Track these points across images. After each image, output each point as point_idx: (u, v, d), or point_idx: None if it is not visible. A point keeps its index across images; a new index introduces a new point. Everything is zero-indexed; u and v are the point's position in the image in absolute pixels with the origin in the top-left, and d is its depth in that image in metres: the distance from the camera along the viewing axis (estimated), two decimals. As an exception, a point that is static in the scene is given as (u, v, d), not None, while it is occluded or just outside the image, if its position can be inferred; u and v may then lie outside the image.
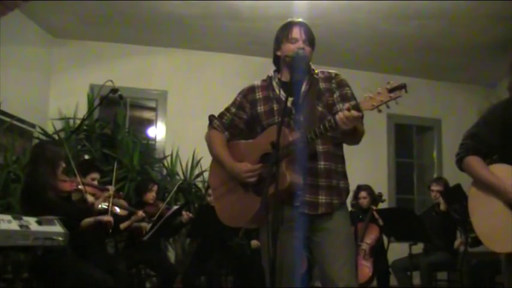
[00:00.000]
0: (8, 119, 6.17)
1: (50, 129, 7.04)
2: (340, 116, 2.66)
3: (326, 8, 6.35)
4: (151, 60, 7.89)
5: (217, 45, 7.80)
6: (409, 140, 9.24)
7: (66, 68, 7.53)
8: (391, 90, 2.53)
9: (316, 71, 3.16)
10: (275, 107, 3.11)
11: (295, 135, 2.87)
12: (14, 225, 3.77)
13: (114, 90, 5.42)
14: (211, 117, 3.34)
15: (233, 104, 3.31)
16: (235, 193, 3.13)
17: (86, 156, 6.74)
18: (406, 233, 6.02)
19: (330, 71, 3.18)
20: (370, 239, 6.36)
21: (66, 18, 6.90)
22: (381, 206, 6.70)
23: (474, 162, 2.98)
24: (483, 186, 2.95)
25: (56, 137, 6.93)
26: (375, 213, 6.43)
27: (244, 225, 3.30)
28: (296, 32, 3.12)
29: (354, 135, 2.87)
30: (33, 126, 6.86)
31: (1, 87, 6.00)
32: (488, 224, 2.92)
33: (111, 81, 5.13)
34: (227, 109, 3.32)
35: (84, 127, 6.94)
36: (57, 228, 4.09)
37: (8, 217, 3.83)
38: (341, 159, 3.11)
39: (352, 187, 6.50)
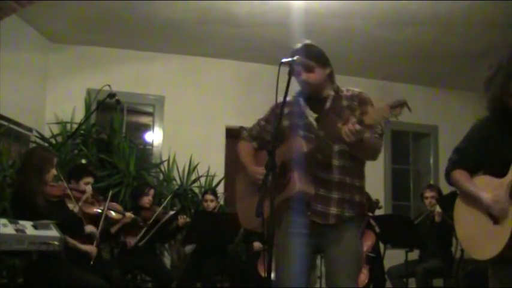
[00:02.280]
0: (5, 123, 6.16)
1: (47, 134, 7.04)
2: (344, 129, 2.77)
3: (321, 14, 6.36)
4: (148, 66, 7.90)
5: (213, 51, 7.82)
6: (405, 146, 9.26)
7: (63, 72, 7.52)
8: (392, 107, 2.60)
9: (341, 89, 3.28)
10: (298, 121, 3.23)
11: (310, 146, 3.03)
12: (9, 230, 3.77)
13: (111, 95, 5.43)
14: (241, 129, 3.64)
15: (263, 117, 3.49)
16: (253, 197, 3.23)
17: (83, 161, 6.74)
18: (402, 240, 6.04)
19: (354, 89, 3.28)
20: (366, 245, 6.36)
21: (63, 23, 6.90)
22: (377, 212, 6.72)
23: (458, 175, 3.06)
24: (466, 196, 3.03)
25: (53, 141, 6.92)
26: (371, 220, 6.44)
27: (257, 228, 3.40)
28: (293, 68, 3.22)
29: (362, 149, 2.98)
30: (30, 130, 6.86)
31: (-2, 91, 6.01)
32: (469, 232, 3.02)
33: (109, 85, 5.15)
34: (258, 121, 3.51)
35: (81, 132, 6.94)
36: (53, 232, 4.09)
37: (4, 221, 3.83)
38: (359, 175, 3.24)
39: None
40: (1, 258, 4.80)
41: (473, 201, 2.96)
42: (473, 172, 3.04)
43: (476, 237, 2.97)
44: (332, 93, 3.24)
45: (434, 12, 6.25)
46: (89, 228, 4.96)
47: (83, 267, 4.67)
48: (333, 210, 3.09)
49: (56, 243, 4.03)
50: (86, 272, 4.60)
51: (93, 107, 6.81)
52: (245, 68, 7.94)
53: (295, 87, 3.41)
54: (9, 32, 6.18)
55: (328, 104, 3.19)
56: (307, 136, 3.09)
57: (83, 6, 6.30)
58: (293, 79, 3.06)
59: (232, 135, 7.48)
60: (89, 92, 7.33)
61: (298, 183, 2.99)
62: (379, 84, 8.61)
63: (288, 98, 3.33)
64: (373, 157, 3.15)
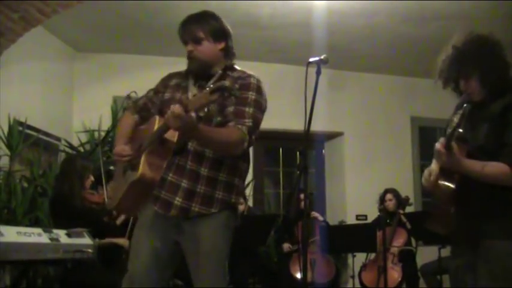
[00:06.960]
0: (34, 133, 6.23)
1: (75, 142, 7.10)
2: (168, 112, 2.45)
3: (344, 13, 6.32)
4: (173, 71, 7.89)
5: (237, 53, 7.79)
6: (433, 142, 9.05)
7: (89, 81, 7.59)
8: (211, 93, 2.40)
9: (234, 69, 3.10)
10: (177, 96, 2.94)
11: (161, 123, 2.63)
12: (44, 239, 3.83)
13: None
14: (127, 98, 3.26)
15: (154, 87, 3.22)
16: (118, 176, 3.02)
17: (111, 168, 6.78)
18: (433, 236, 5.95)
19: (247, 72, 3.15)
20: (398, 243, 6.32)
21: (87, 31, 6.97)
22: (408, 209, 6.67)
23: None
24: None
25: (82, 149, 6.97)
26: (402, 217, 6.40)
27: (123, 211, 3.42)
28: (182, 36, 2.98)
29: (200, 139, 2.65)
30: (58, 139, 6.93)
31: (26, 102, 6.08)
32: None
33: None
34: (147, 92, 3.21)
35: (109, 139, 6.98)
36: (87, 240, 4.14)
37: (39, 230, 3.89)
38: (227, 168, 2.81)
39: (379, 190, 6.53)
40: (36, 267, 4.86)
41: None
42: None
43: None
44: (220, 71, 2.97)
45: (458, 6, 6.18)
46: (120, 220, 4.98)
47: (116, 271, 4.71)
48: (178, 200, 2.71)
49: (89, 250, 4.08)
50: (118, 278, 4.64)
51: (120, 114, 6.85)
52: (270, 70, 7.88)
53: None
54: (35, 42, 6.25)
55: (211, 82, 2.82)
56: None
57: (105, 14, 6.36)
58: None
59: (262, 136, 7.47)
60: (115, 100, 7.38)
61: (142, 167, 2.60)
62: (405, 81, 8.54)
63: (182, 69, 3.09)
64: (225, 150, 2.73)
